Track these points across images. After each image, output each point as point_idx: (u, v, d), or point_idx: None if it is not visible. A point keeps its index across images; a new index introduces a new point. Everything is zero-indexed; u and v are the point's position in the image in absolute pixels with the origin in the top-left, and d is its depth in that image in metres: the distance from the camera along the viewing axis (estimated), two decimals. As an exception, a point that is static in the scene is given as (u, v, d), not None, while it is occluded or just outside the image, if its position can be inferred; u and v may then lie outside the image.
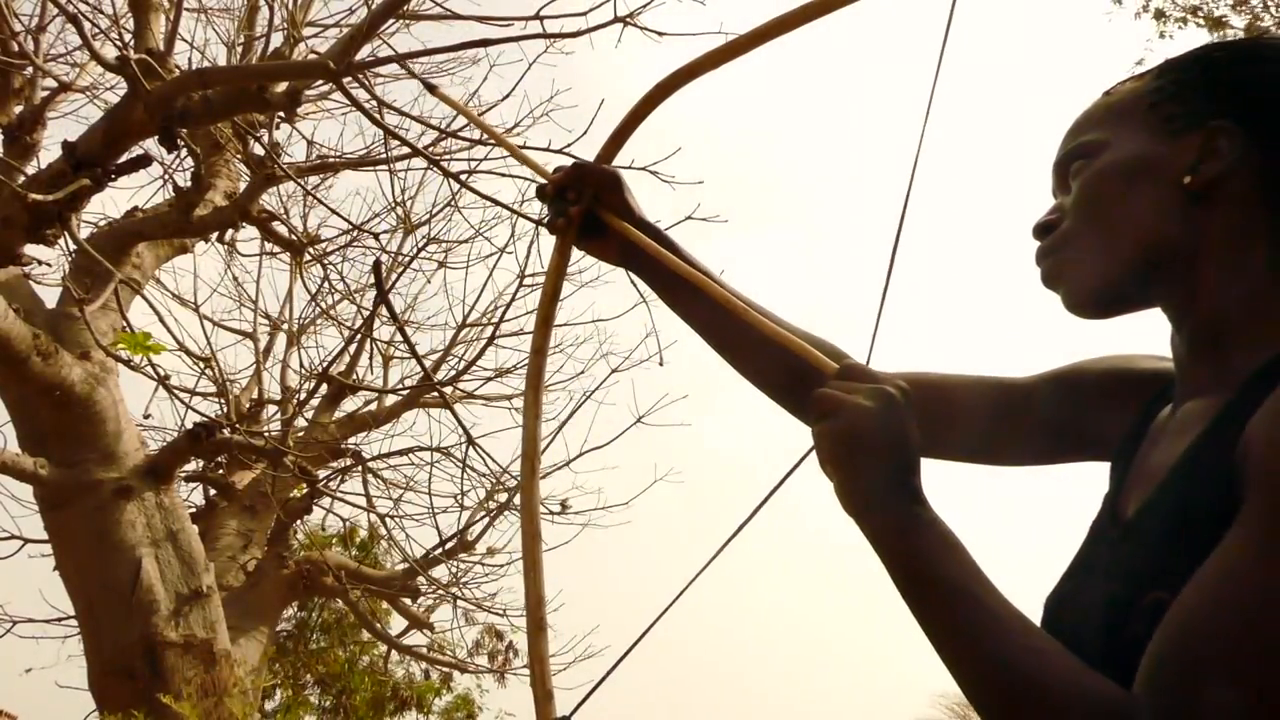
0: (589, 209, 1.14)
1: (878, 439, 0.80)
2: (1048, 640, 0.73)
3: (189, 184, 3.59)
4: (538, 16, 2.94)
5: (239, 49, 5.00)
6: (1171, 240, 0.84)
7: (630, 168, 3.80)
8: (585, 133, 3.64)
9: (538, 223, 3.96)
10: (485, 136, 4.44)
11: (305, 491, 5.13)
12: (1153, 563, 0.76)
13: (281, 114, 3.25)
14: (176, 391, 3.84)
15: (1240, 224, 0.82)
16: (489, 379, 6.11)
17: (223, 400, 5.67)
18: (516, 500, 5.60)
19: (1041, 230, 0.92)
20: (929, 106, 0.94)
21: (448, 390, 5.63)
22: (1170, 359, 0.93)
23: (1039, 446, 1.03)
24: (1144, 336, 1.01)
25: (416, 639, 6.78)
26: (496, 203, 3.95)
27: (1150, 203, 0.85)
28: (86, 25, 3.00)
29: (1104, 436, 0.96)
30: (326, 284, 5.88)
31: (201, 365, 5.80)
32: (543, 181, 1.19)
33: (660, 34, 3.54)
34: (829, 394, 0.84)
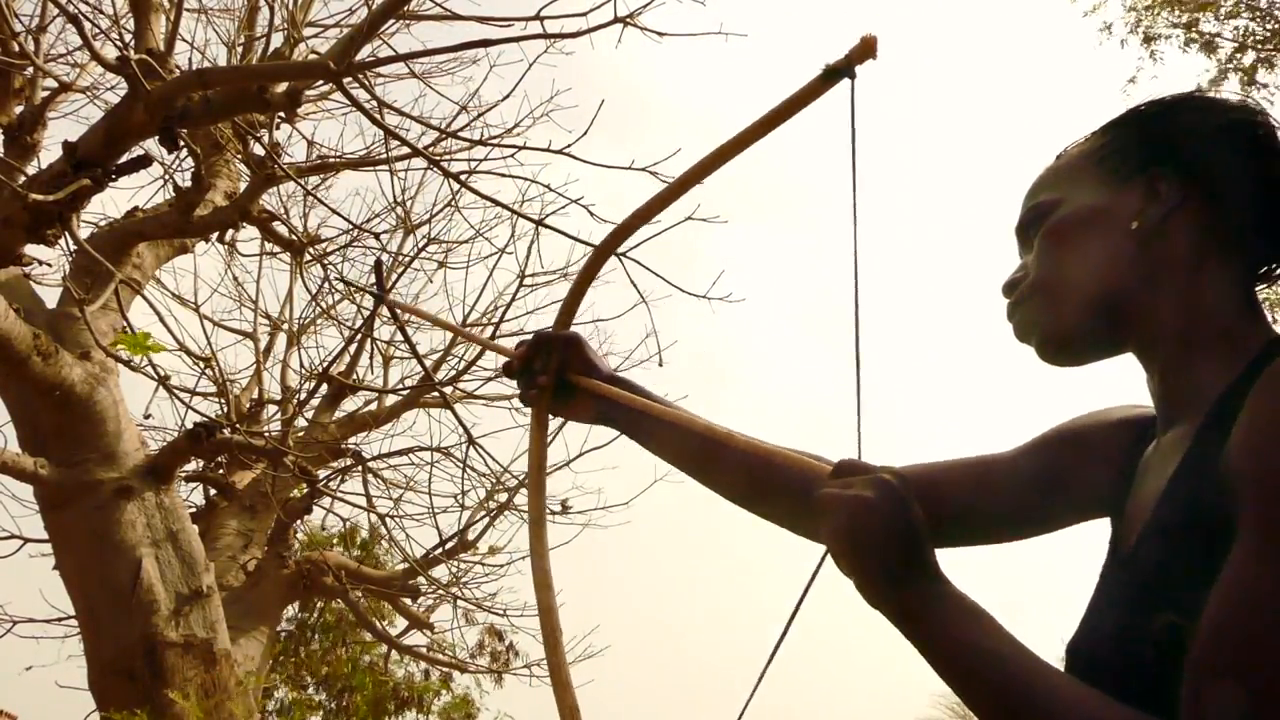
0: (557, 375, 1.17)
1: (883, 526, 0.82)
2: (1087, 690, 0.75)
3: (189, 184, 3.59)
4: (538, 17, 2.94)
5: (239, 49, 5.01)
6: (1129, 281, 0.89)
7: (630, 168, 3.80)
8: (585, 133, 3.64)
9: (538, 223, 3.97)
10: (485, 136, 4.44)
11: (305, 491, 5.13)
12: (1155, 587, 0.78)
13: (282, 114, 3.26)
14: (176, 391, 3.84)
15: (1190, 257, 0.88)
16: (489, 379, 6.11)
17: (223, 400, 5.67)
18: (516, 500, 5.60)
19: (1009, 288, 0.98)
20: (854, 182, 0.93)
21: (448, 390, 5.62)
22: (1143, 406, 0.98)
23: (1032, 518, 1.05)
24: (1120, 388, 1.05)
25: (416, 639, 6.78)
26: (496, 203, 3.96)
27: (1105, 249, 0.90)
28: (87, 25, 3.00)
29: (1094, 492, 0.99)
30: (326, 284, 5.89)
31: (201, 365, 5.80)
32: (508, 359, 1.21)
33: (660, 34, 3.55)
34: (828, 493, 0.85)
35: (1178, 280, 0.88)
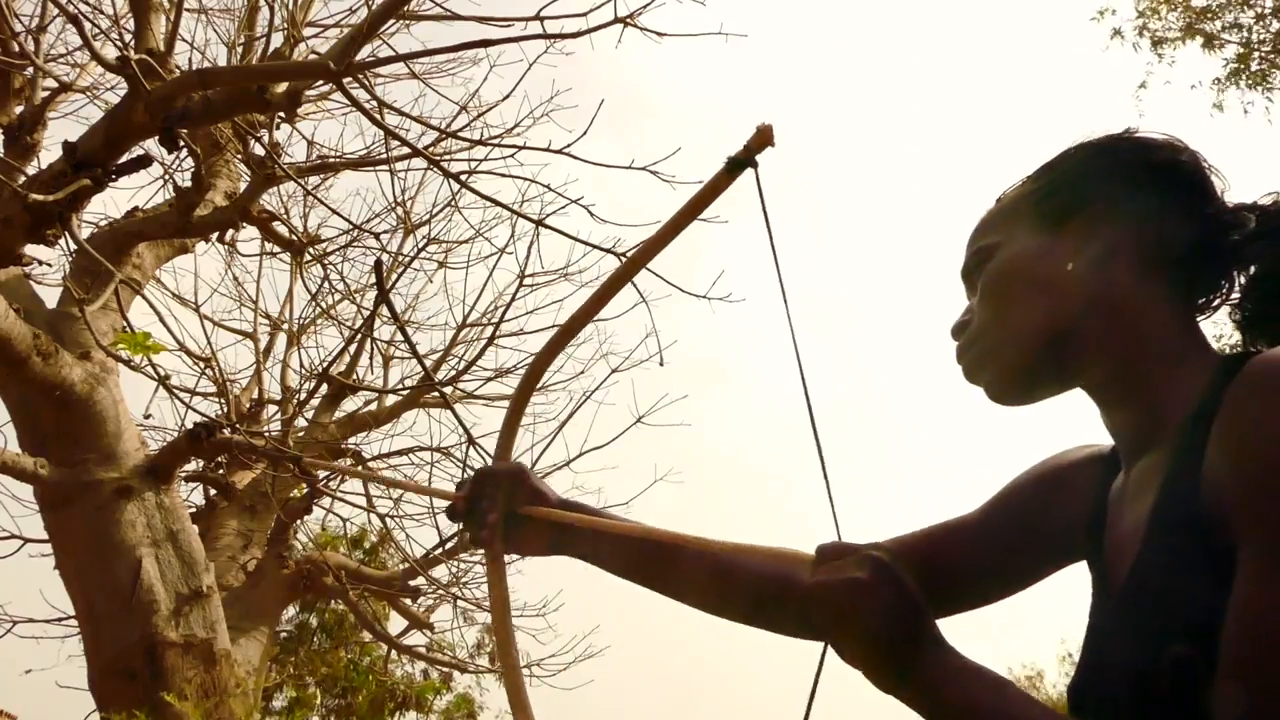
0: (507, 511, 1.10)
1: (882, 606, 0.79)
2: None
3: (189, 184, 3.58)
4: (538, 17, 2.94)
5: (239, 49, 5.00)
6: (1072, 320, 0.91)
7: (630, 168, 3.81)
8: (585, 133, 3.64)
9: (538, 223, 3.97)
10: (485, 136, 4.44)
11: (305, 491, 5.13)
12: (1159, 619, 0.78)
13: (282, 114, 3.25)
14: (177, 391, 3.83)
15: (1133, 291, 0.90)
16: (489, 379, 6.11)
17: (223, 400, 5.67)
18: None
19: (957, 330, 0.99)
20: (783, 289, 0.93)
21: (448, 390, 5.63)
22: (1101, 444, 0.99)
23: (1017, 570, 1.05)
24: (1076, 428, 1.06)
25: (417, 639, 6.78)
26: (496, 203, 3.96)
27: (1045, 290, 0.92)
28: (87, 25, 3.00)
29: (1071, 533, 0.99)
30: (326, 284, 5.89)
31: (202, 365, 5.80)
32: (451, 502, 1.13)
33: (660, 34, 3.55)
34: (820, 581, 0.82)
35: (1124, 314, 0.90)
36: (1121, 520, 0.90)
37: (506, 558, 1.12)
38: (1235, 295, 0.93)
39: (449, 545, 5.69)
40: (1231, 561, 0.73)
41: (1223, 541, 0.73)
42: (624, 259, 1.06)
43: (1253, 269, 0.92)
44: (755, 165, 0.87)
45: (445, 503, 1.14)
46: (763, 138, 0.86)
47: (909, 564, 0.95)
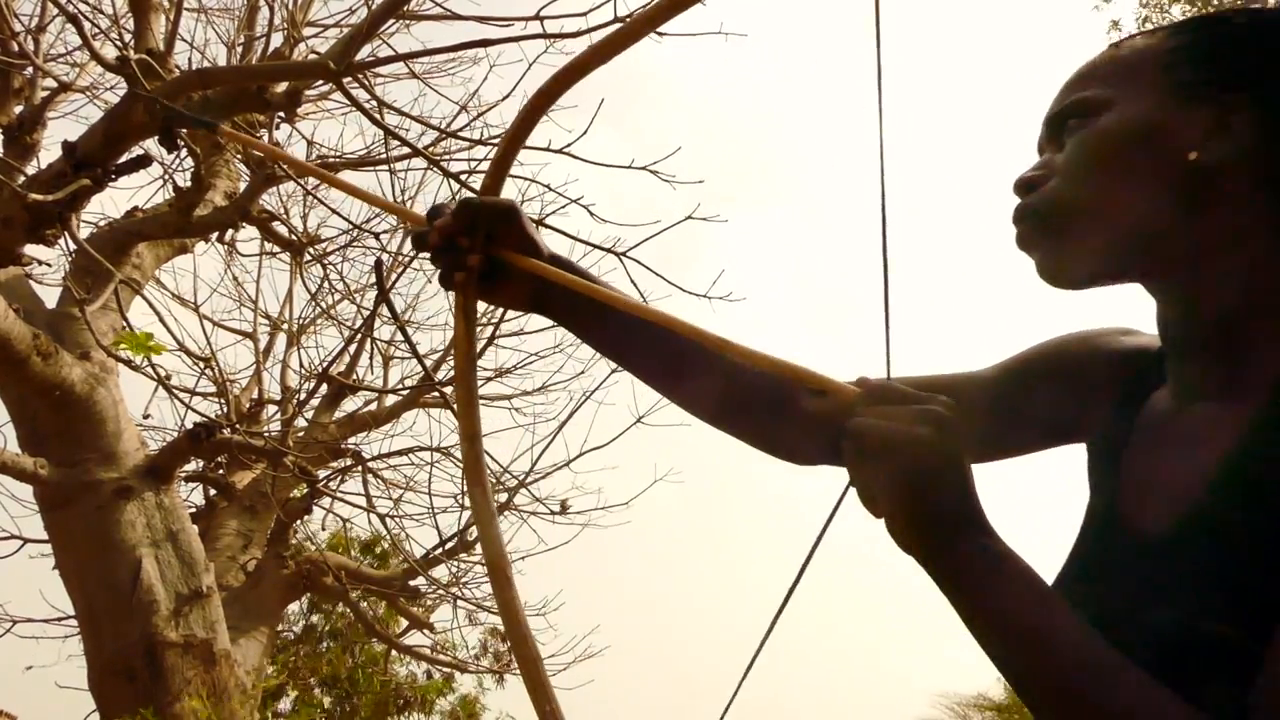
0: (488, 254, 0.92)
1: (942, 473, 0.70)
2: (1168, 694, 0.66)
3: (189, 184, 3.59)
4: (538, 17, 2.95)
5: (239, 49, 5.01)
6: (1172, 223, 0.77)
7: (630, 167, 3.81)
8: (585, 132, 3.64)
9: (538, 223, 3.97)
10: (485, 136, 4.44)
11: (305, 491, 5.13)
12: (1205, 590, 0.70)
13: (281, 114, 3.26)
14: (176, 391, 3.84)
15: (1250, 210, 0.75)
16: (489, 379, 6.12)
17: (223, 400, 5.67)
18: (517, 500, 5.60)
19: (1024, 187, 0.83)
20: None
21: (448, 390, 5.62)
22: (1140, 334, 0.88)
23: (1003, 443, 0.95)
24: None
25: (418, 639, 6.79)
26: (496, 203, 3.96)
27: (1151, 178, 0.77)
28: (86, 25, 3.00)
29: (1075, 424, 0.90)
30: (326, 284, 5.89)
31: (201, 365, 5.80)
32: (421, 231, 0.94)
33: (660, 34, 3.55)
34: (873, 426, 0.71)
35: (1233, 235, 0.76)
36: (1164, 456, 0.79)
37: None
38: None
39: (449, 545, 5.70)
40: None
41: None
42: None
43: None
44: None
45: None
46: None
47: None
